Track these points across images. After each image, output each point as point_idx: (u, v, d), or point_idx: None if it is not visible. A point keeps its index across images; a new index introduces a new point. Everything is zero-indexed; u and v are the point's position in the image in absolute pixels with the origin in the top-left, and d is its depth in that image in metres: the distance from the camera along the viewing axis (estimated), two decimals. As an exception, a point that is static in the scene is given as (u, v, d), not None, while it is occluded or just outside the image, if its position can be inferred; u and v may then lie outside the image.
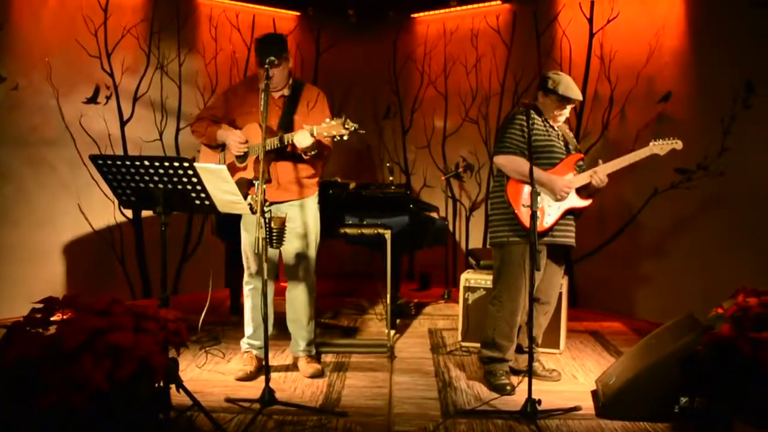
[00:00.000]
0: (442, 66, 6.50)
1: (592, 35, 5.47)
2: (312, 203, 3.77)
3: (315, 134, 3.38)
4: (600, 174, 3.50)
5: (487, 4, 6.11)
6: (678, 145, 3.53)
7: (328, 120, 3.38)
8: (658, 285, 5.11)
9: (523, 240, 3.50)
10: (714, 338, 2.84)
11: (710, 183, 4.81)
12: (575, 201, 3.55)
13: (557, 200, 3.52)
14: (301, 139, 3.40)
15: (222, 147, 3.73)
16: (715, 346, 2.83)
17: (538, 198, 3.44)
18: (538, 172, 3.41)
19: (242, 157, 3.66)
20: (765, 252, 4.49)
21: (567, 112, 3.63)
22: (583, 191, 3.58)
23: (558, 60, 5.64)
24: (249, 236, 3.74)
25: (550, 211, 3.52)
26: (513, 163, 3.50)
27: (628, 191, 5.25)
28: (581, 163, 3.63)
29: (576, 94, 3.53)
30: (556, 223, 3.52)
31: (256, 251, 3.09)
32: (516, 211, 3.51)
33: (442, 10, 6.41)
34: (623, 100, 5.30)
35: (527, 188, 3.47)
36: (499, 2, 6.04)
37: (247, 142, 3.61)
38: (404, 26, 6.72)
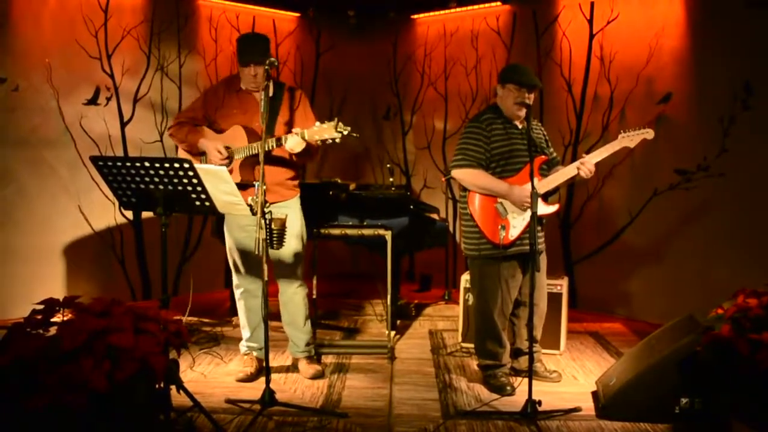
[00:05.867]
0: (442, 67, 6.49)
1: (592, 36, 5.47)
2: (296, 204, 3.75)
3: (306, 138, 3.36)
4: (588, 164, 3.42)
5: (487, 5, 6.11)
6: (649, 134, 3.43)
7: (318, 123, 3.33)
8: (658, 286, 5.11)
9: (491, 253, 3.47)
10: (714, 339, 2.84)
11: (710, 184, 4.81)
12: (541, 208, 3.47)
13: (524, 210, 3.43)
14: (294, 144, 3.39)
15: (203, 153, 3.65)
16: (714, 347, 2.83)
17: (504, 209, 3.43)
18: (495, 185, 3.40)
19: (227, 161, 3.59)
20: (765, 253, 4.49)
21: (530, 101, 3.44)
22: (552, 194, 3.55)
23: (558, 61, 5.64)
24: (232, 238, 3.73)
25: (515, 223, 3.47)
26: (470, 177, 3.47)
27: (627, 192, 5.25)
28: (545, 166, 3.58)
29: (533, 79, 3.46)
30: (522, 234, 3.46)
31: (257, 253, 3.08)
32: (479, 226, 3.47)
33: (442, 12, 6.40)
34: (623, 101, 5.30)
35: (498, 204, 3.45)
36: (499, 3, 6.04)
37: (228, 148, 3.55)
38: (404, 27, 6.71)
